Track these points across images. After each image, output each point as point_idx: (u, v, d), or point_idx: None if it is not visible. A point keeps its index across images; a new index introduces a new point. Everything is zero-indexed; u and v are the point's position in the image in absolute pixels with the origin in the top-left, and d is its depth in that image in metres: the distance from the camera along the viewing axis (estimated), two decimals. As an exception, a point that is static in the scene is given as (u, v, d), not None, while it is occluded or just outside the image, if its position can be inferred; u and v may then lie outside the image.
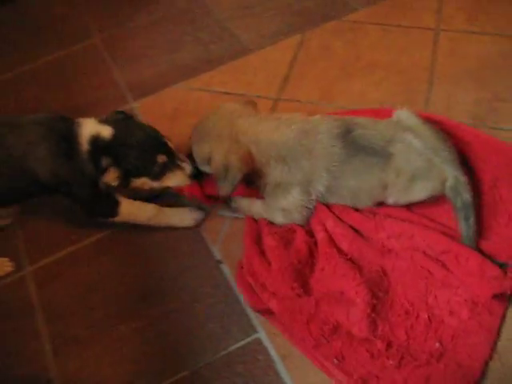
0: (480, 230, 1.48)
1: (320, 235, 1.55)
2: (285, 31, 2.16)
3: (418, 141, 1.49)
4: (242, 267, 1.54)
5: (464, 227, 1.46)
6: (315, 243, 1.56)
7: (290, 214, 1.57)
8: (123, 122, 1.56)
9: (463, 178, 1.49)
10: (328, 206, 1.59)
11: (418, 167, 1.48)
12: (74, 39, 2.39)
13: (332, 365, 1.34)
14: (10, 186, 1.54)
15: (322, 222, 1.57)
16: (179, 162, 1.57)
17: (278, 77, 1.99)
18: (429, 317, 1.40)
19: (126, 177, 1.54)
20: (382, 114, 1.67)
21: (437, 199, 1.54)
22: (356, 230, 1.56)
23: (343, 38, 2.09)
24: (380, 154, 1.47)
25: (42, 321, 1.54)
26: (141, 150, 1.51)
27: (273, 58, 2.06)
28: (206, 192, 1.66)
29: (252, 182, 1.59)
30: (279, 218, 1.59)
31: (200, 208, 1.69)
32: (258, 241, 1.59)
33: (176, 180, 1.58)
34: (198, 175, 1.60)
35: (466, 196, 1.47)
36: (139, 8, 2.46)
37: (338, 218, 1.57)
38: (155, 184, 1.57)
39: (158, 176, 1.55)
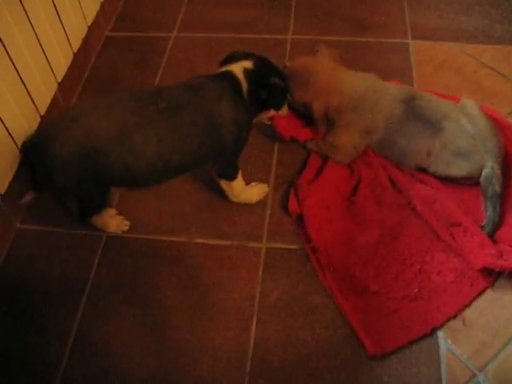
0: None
1: (364, 174, 1.78)
2: None
3: (470, 126, 1.67)
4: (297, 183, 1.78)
5: (491, 214, 1.62)
6: (359, 181, 1.78)
7: (338, 150, 1.81)
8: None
9: (498, 171, 1.64)
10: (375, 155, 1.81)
11: (463, 147, 1.66)
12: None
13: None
14: (197, 150, 1.56)
15: (366, 165, 1.80)
16: None
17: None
18: (420, 269, 1.58)
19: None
20: (451, 99, 1.84)
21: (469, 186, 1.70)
22: (392, 182, 1.76)
23: None
24: (432, 125, 1.69)
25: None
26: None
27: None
28: (291, 134, 1.89)
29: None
30: (329, 153, 1.83)
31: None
32: (318, 170, 1.84)
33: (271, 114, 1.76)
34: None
35: (497, 187, 1.63)
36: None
37: (382, 166, 1.79)
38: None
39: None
